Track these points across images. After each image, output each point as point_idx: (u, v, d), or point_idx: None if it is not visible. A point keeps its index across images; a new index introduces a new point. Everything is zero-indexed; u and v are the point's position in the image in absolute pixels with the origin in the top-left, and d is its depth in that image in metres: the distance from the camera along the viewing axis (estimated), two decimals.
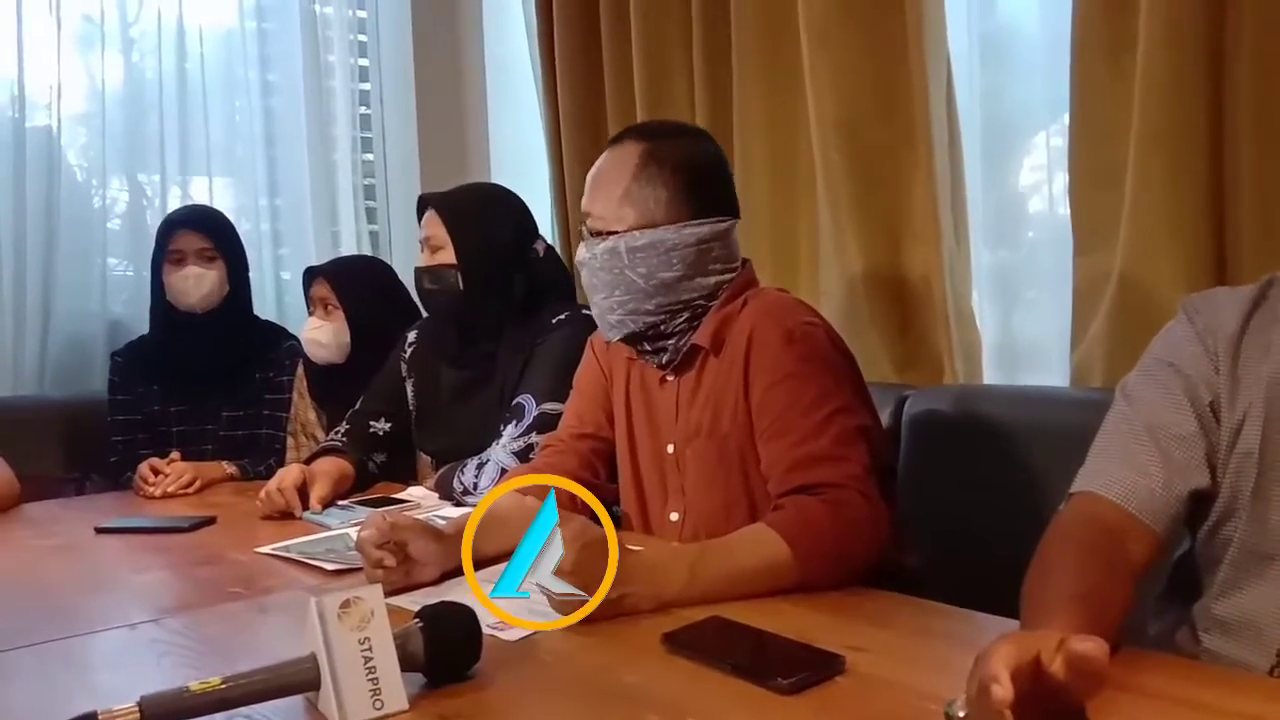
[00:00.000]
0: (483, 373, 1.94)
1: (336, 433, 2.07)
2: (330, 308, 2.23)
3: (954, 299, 1.91)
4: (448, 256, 1.89)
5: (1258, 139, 1.47)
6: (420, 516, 1.53)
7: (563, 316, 1.87)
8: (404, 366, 2.10)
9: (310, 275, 2.29)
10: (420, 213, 1.96)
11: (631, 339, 1.44)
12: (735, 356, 1.36)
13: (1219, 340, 1.02)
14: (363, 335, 2.24)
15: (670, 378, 1.44)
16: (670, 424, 1.44)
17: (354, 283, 2.31)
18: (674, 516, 1.43)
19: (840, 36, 1.97)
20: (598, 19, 2.55)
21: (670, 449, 1.44)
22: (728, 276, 1.42)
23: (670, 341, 1.42)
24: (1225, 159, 1.51)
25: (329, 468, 1.92)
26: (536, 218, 2.04)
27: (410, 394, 2.07)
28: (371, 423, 2.07)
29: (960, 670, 0.72)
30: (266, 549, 1.52)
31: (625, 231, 1.37)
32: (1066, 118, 1.68)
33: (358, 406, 2.10)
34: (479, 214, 1.96)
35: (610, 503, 1.52)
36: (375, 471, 2.06)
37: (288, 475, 1.83)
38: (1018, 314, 2.01)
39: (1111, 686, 0.74)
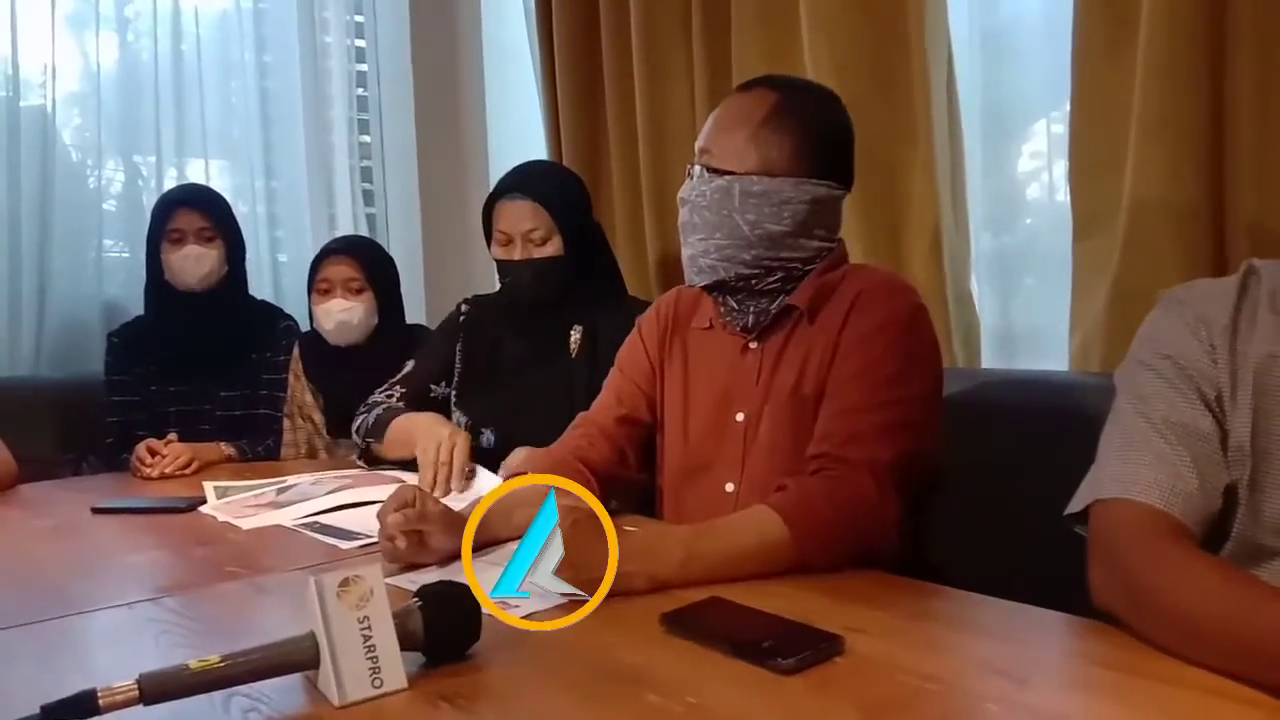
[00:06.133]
0: (553, 345, 1.89)
1: (390, 397, 1.99)
2: (356, 288, 2.22)
3: (953, 284, 1.91)
4: (556, 248, 1.84)
5: (1258, 126, 1.47)
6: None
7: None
8: (459, 332, 2.03)
9: (325, 254, 2.26)
10: (493, 201, 1.88)
11: (717, 287, 1.39)
12: (833, 320, 1.33)
13: (1213, 332, 0.99)
14: (388, 316, 2.24)
15: (753, 344, 1.41)
16: (747, 391, 1.39)
17: (381, 263, 2.31)
18: (729, 488, 1.40)
19: (841, 21, 1.96)
20: (596, 2, 2.53)
21: (740, 417, 1.39)
22: (828, 245, 1.39)
23: (758, 303, 1.38)
24: (1225, 146, 1.50)
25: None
26: None
27: (459, 359, 2.01)
28: (432, 386, 2.01)
29: (958, 650, 0.72)
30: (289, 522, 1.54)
31: (743, 174, 1.32)
32: (1067, 104, 1.68)
33: (409, 370, 2.03)
34: (576, 199, 1.93)
35: (642, 489, 1.52)
36: None
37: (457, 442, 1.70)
38: (1017, 299, 2.00)
39: (1110, 668, 0.74)
